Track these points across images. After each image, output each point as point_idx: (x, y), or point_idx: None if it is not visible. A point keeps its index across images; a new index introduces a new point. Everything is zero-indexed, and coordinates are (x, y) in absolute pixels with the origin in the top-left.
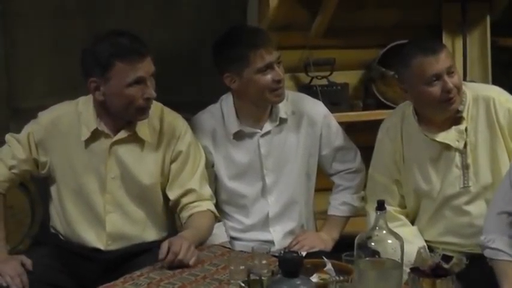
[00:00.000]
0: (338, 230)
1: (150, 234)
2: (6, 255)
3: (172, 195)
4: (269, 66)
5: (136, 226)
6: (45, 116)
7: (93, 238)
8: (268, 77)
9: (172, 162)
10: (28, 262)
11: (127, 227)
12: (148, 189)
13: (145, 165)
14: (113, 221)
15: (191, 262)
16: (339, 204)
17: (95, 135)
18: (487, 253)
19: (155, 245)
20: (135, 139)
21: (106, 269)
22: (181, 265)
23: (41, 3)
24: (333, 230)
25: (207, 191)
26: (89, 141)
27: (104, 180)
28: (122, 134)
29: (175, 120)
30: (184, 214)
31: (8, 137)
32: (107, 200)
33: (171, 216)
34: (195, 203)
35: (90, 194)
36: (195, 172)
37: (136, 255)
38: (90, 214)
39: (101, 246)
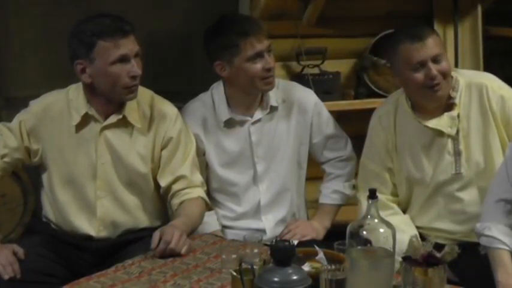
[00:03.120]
0: (329, 218)
1: (142, 221)
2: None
3: (163, 182)
4: (259, 55)
5: (127, 212)
6: (36, 104)
7: (85, 224)
8: (258, 65)
9: (162, 148)
10: (20, 251)
11: (118, 213)
12: (138, 174)
13: (135, 150)
14: (104, 206)
15: (183, 251)
16: (330, 192)
17: (85, 120)
18: (483, 241)
19: (147, 233)
20: (125, 124)
21: (98, 258)
22: (173, 254)
23: None
24: (325, 219)
25: (198, 178)
26: (79, 127)
27: (94, 165)
28: (112, 119)
29: (165, 106)
30: (175, 201)
31: (0, 126)
32: (98, 186)
33: (163, 204)
34: (186, 190)
35: (81, 180)
36: (185, 159)
37: (128, 244)
38: (81, 200)
39: (92, 232)
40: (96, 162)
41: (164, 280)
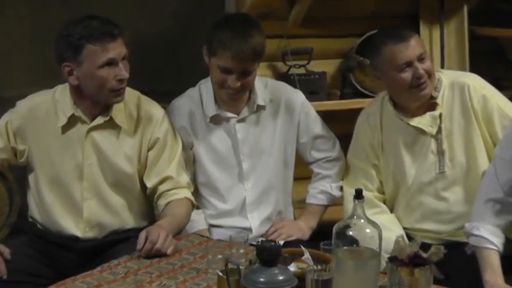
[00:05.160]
0: (316, 218)
1: (128, 222)
2: None
3: (149, 183)
4: (229, 72)
5: (113, 213)
6: (23, 105)
7: (71, 225)
8: (225, 79)
9: (149, 149)
10: (6, 251)
11: (104, 214)
12: (125, 176)
13: (122, 151)
14: (91, 208)
15: (169, 251)
16: (317, 192)
17: (72, 121)
18: (471, 240)
19: (133, 234)
20: (111, 125)
21: (84, 258)
22: (159, 254)
23: None
24: (311, 219)
25: (184, 178)
26: (65, 128)
27: (81, 166)
28: (99, 120)
29: (152, 107)
30: (162, 202)
31: None
32: (84, 187)
33: (149, 205)
34: (172, 191)
35: (68, 180)
36: (172, 160)
37: (114, 244)
38: (68, 201)
39: (78, 233)
40: (82, 163)
41: (150, 280)
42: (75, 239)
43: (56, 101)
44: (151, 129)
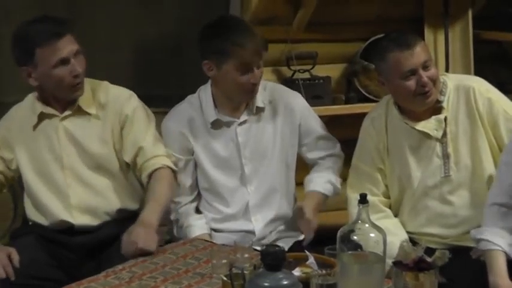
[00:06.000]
0: (320, 208)
1: (114, 203)
2: None
3: (127, 157)
4: (248, 68)
5: (98, 195)
6: (3, 118)
7: (63, 213)
8: (245, 77)
9: (121, 128)
10: (16, 258)
11: (90, 197)
12: (102, 158)
13: (95, 135)
14: (77, 193)
15: (152, 249)
16: (324, 182)
17: (43, 118)
18: (478, 245)
19: (128, 225)
20: (81, 114)
21: (86, 255)
22: (144, 253)
23: None
24: (317, 207)
25: (161, 148)
26: (39, 125)
27: (60, 157)
28: (68, 112)
29: (119, 90)
30: (143, 175)
31: None
32: (67, 175)
33: (137, 186)
34: (151, 161)
35: (52, 172)
36: (146, 132)
37: (113, 240)
38: (55, 190)
39: (70, 219)
40: (61, 153)
41: (155, 285)
42: (70, 228)
43: (28, 106)
44: (119, 108)
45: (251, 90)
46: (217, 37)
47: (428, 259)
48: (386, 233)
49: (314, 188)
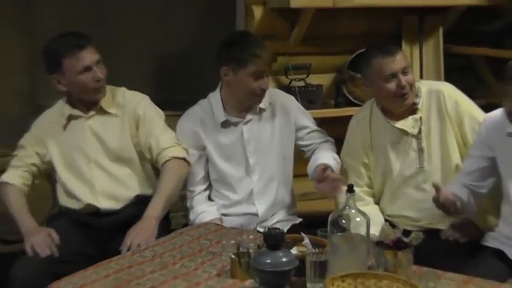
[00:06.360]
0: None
1: (134, 189)
2: (37, 227)
3: (145, 153)
4: (261, 75)
5: (120, 183)
6: (37, 120)
7: (89, 198)
8: (257, 83)
9: (136, 126)
10: (56, 237)
11: (112, 185)
12: (122, 150)
13: (115, 132)
14: (100, 181)
15: (149, 243)
16: (332, 158)
17: (71, 119)
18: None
19: (142, 205)
20: (103, 114)
21: (112, 234)
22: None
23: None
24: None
25: (168, 142)
26: (68, 125)
27: (86, 153)
28: (92, 112)
29: (133, 94)
30: (159, 166)
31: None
32: (92, 167)
33: (153, 174)
34: (162, 154)
35: (79, 165)
36: (154, 128)
37: (132, 221)
38: (82, 179)
39: (96, 203)
40: (87, 148)
41: (173, 262)
42: (96, 211)
43: (58, 109)
44: (133, 109)
45: (260, 95)
46: (237, 47)
47: (406, 239)
48: None
49: (323, 161)
